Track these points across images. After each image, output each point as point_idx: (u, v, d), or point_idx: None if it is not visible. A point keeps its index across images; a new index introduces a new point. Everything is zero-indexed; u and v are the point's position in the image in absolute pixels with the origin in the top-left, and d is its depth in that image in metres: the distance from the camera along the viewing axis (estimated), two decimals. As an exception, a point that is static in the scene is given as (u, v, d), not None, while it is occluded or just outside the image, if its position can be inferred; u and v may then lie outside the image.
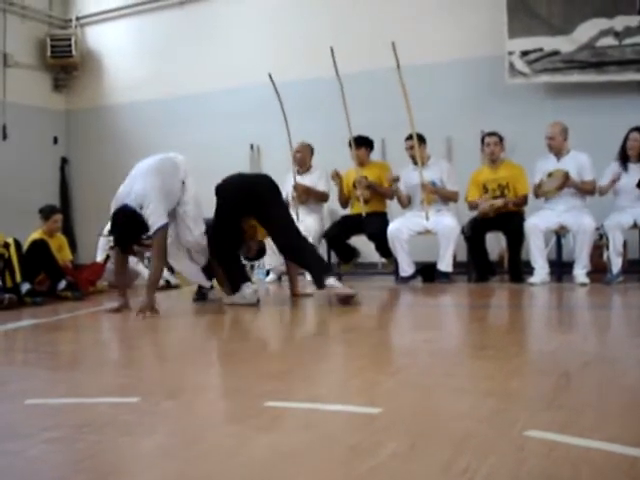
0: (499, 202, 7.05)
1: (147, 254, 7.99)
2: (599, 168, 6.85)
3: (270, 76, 7.93)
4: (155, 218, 5.21)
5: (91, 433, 2.22)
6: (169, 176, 5.46)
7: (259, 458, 1.96)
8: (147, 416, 2.43)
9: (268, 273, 8.25)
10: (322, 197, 8.02)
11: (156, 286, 5.44)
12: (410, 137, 7.34)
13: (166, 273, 7.74)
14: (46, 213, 7.36)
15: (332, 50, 7.36)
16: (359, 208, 7.52)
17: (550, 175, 6.79)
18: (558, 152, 6.93)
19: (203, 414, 2.45)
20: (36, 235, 7.15)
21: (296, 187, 7.85)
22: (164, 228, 5.27)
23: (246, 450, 2.04)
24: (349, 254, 7.87)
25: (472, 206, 7.30)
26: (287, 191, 7.83)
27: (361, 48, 8.78)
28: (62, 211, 7.58)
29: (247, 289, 5.64)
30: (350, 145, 7.65)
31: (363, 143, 7.74)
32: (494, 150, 7.25)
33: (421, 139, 7.38)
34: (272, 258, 7.64)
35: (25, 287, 6.25)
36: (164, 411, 2.50)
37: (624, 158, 6.74)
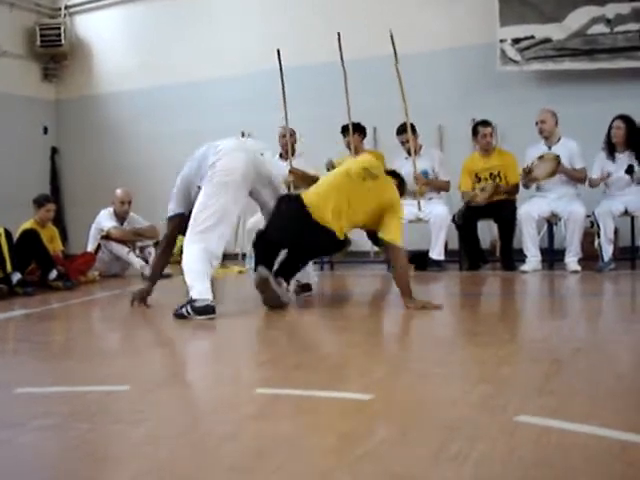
0: (489, 187, 7.04)
1: (139, 244, 7.97)
2: (591, 155, 6.84)
3: (278, 52, 7.77)
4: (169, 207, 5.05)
5: (82, 421, 2.21)
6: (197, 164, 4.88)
7: (250, 445, 1.96)
8: (138, 404, 2.42)
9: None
10: (315, 182, 7.90)
11: (154, 277, 5.14)
12: (402, 131, 7.30)
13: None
14: (39, 202, 7.33)
15: (339, 35, 7.26)
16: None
17: (541, 158, 6.76)
18: (549, 137, 6.92)
19: (194, 402, 2.45)
20: (27, 225, 7.12)
21: (292, 172, 7.74)
22: (172, 220, 5.00)
23: (237, 437, 2.04)
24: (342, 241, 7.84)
25: (466, 198, 7.29)
26: (283, 175, 7.75)
27: (353, 36, 8.72)
28: (55, 201, 7.51)
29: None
30: (344, 131, 7.62)
31: (356, 129, 7.69)
32: (490, 141, 7.25)
33: (412, 129, 7.35)
34: None
35: (16, 277, 6.21)
36: (155, 399, 2.49)
37: (610, 147, 6.73)
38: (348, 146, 7.65)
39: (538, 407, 2.18)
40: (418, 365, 2.92)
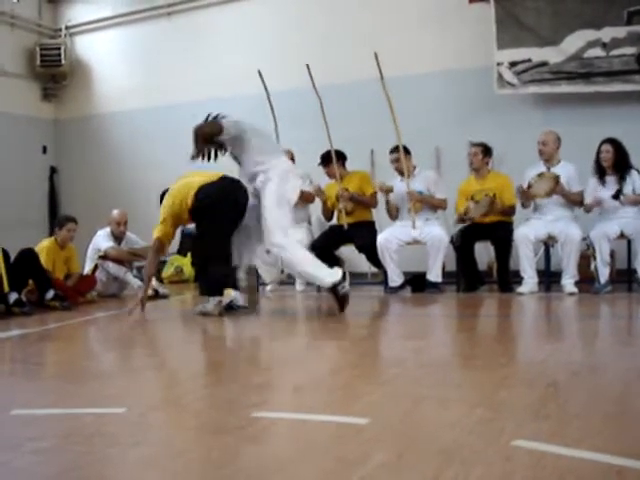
0: (484, 201, 7.04)
1: (136, 264, 7.98)
2: (587, 178, 6.87)
3: (259, 73, 7.90)
4: None
5: (77, 444, 2.20)
6: None
7: (246, 469, 1.96)
8: (134, 427, 2.42)
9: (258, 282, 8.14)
10: (309, 199, 7.92)
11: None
12: (394, 150, 7.33)
13: (155, 283, 7.72)
14: (60, 222, 7.42)
15: (308, 67, 7.34)
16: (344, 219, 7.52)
17: (540, 176, 6.78)
18: (549, 160, 6.94)
19: (190, 425, 2.44)
20: (46, 243, 7.28)
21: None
22: None
23: (233, 461, 2.03)
24: (334, 265, 7.84)
25: (461, 219, 7.30)
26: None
27: (348, 59, 8.81)
28: (76, 220, 7.53)
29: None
30: (324, 162, 7.66)
31: (338, 157, 7.67)
32: (472, 160, 7.28)
33: (406, 150, 7.37)
34: (268, 272, 7.66)
35: (13, 297, 6.21)
36: (151, 422, 2.49)
37: (600, 171, 6.76)
38: (328, 175, 7.70)
39: (534, 431, 2.18)
40: (414, 388, 2.92)
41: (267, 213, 5.46)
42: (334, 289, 5.40)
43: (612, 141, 6.72)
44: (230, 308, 5.67)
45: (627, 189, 6.58)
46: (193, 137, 5.47)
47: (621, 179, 6.62)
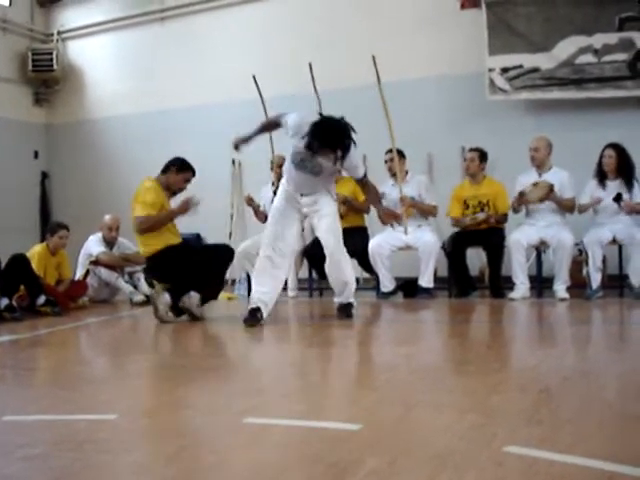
0: (481, 216, 7.08)
1: (127, 269, 7.95)
2: (579, 184, 6.90)
3: (254, 78, 7.90)
4: None
5: (69, 450, 2.19)
6: None
7: (238, 476, 1.95)
8: (125, 433, 2.41)
9: (250, 289, 8.11)
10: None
11: None
12: (390, 150, 7.35)
13: (147, 289, 7.70)
14: (52, 228, 7.42)
15: (310, 66, 7.34)
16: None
17: (535, 185, 6.81)
18: (540, 166, 6.96)
19: (181, 431, 2.43)
20: (38, 249, 7.27)
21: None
22: None
23: (225, 468, 2.02)
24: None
25: (455, 223, 7.32)
26: (264, 202, 7.82)
27: (342, 64, 8.81)
28: (67, 227, 7.51)
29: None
30: None
31: None
32: (469, 165, 7.31)
33: (401, 154, 7.37)
34: None
35: (4, 302, 6.19)
36: (142, 428, 2.48)
37: (601, 175, 6.80)
38: None
39: (526, 437, 2.18)
40: (406, 394, 2.91)
41: (336, 225, 5.66)
42: (349, 307, 5.64)
43: (615, 146, 6.75)
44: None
45: (626, 197, 6.59)
46: (344, 129, 5.64)
47: (626, 184, 6.64)
